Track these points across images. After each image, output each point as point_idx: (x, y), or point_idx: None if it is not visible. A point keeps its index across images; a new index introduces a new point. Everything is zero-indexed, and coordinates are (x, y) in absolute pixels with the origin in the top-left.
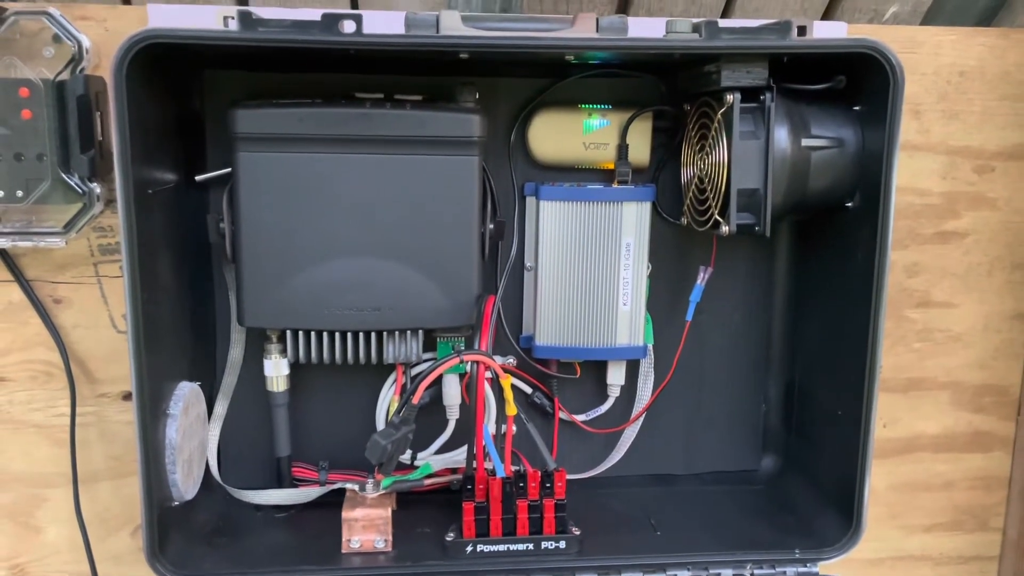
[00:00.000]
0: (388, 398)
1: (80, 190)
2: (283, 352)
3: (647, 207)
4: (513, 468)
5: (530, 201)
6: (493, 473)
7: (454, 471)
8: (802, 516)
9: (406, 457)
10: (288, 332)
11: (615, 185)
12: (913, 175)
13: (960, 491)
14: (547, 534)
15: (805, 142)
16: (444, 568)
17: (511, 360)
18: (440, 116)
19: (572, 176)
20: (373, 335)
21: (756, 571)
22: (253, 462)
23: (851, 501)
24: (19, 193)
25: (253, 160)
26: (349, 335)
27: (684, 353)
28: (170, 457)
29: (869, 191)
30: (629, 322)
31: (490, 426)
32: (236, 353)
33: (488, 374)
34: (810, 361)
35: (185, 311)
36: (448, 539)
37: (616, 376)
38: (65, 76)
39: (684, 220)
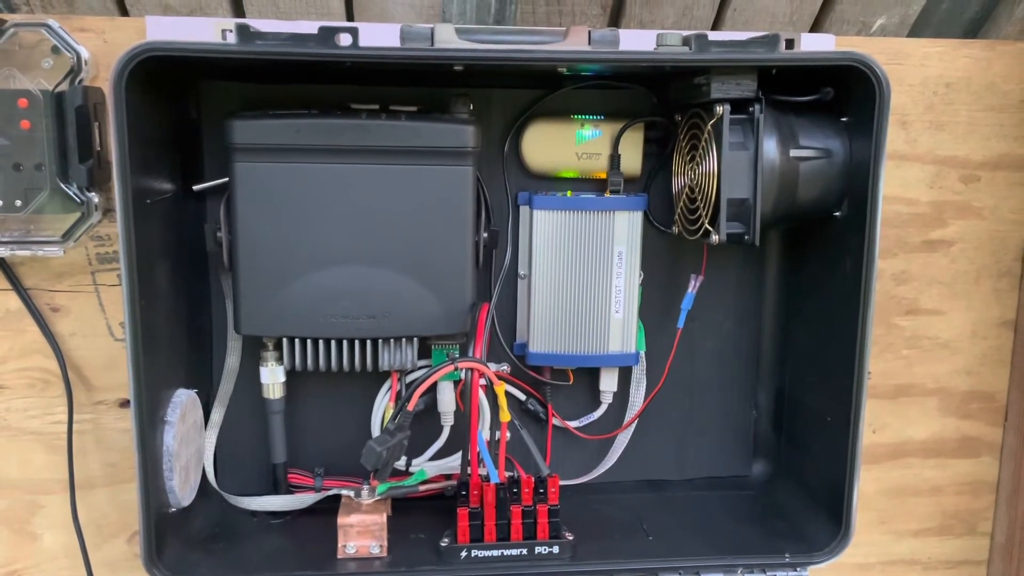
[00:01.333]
0: (383, 405)
1: (78, 199)
2: (279, 360)
3: (639, 216)
4: (507, 474)
5: (523, 210)
6: (487, 479)
7: (448, 477)
8: (792, 521)
9: (401, 463)
10: (284, 340)
11: (607, 195)
12: (901, 184)
13: (948, 496)
14: (541, 539)
15: (794, 152)
16: (439, 573)
17: (505, 367)
18: (435, 127)
19: (565, 186)
20: (368, 343)
21: (747, 575)
22: (249, 469)
23: (840, 506)
24: (18, 202)
25: (250, 170)
26: (345, 343)
27: (676, 360)
28: (167, 464)
29: (857, 200)
30: (621, 329)
31: (484, 432)
32: (232, 361)
33: (482, 381)
34: (800, 368)
35: (182, 319)
36: (443, 544)
37: (609, 383)
38: (64, 87)
39: (675, 229)
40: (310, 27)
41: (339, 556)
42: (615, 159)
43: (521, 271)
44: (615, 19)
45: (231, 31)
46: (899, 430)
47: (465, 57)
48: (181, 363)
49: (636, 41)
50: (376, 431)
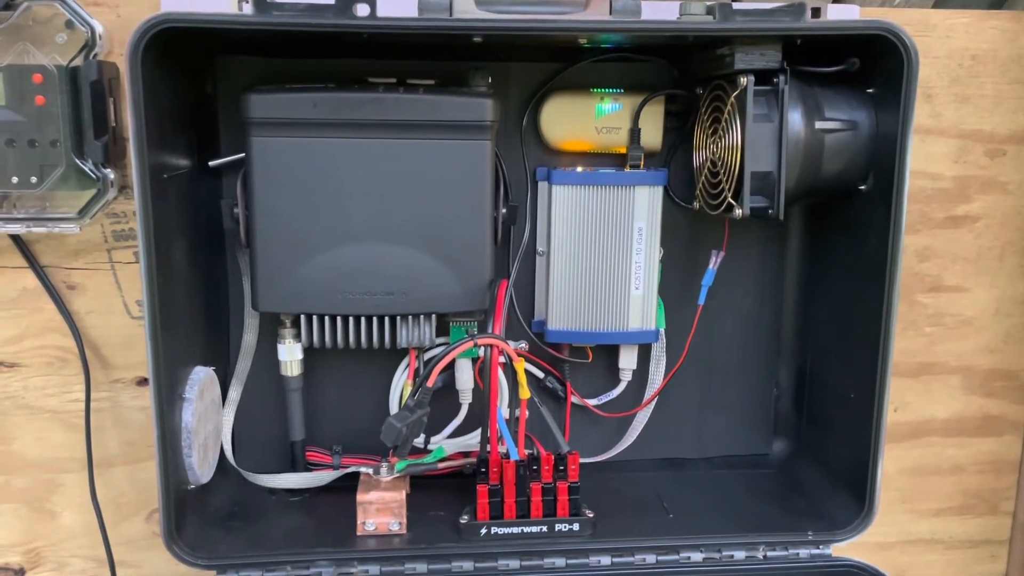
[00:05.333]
0: (401, 382)
1: (94, 176)
2: (297, 337)
3: (659, 191)
4: (526, 451)
5: (542, 186)
6: (507, 456)
7: (467, 455)
8: (814, 499)
9: (419, 441)
10: (302, 317)
11: (627, 169)
12: (925, 159)
13: (970, 475)
14: (561, 516)
15: (819, 125)
16: (458, 550)
17: (524, 345)
18: (453, 100)
19: (584, 160)
20: (386, 319)
21: (769, 553)
22: (267, 446)
23: (864, 483)
24: (33, 179)
25: (266, 145)
26: (363, 320)
27: (696, 337)
28: (186, 441)
29: (882, 174)
30: (641, 306)
31: (503, 410)
32: (250, 338)
33: (501, 358)
34: (822, 345)
35: (199, 296)
36: (462, 521)
37: (628, 360)
38: (78, 62)
39: (696, 204)
40: None
41: (358, 533)
42: (635, 133)
43: (540, 247)
44: None
45: (247, 2)
46: (921, 408)
47: (484, 27)
48: (199, 340)
49: (658, 11)
50: (394, 408)
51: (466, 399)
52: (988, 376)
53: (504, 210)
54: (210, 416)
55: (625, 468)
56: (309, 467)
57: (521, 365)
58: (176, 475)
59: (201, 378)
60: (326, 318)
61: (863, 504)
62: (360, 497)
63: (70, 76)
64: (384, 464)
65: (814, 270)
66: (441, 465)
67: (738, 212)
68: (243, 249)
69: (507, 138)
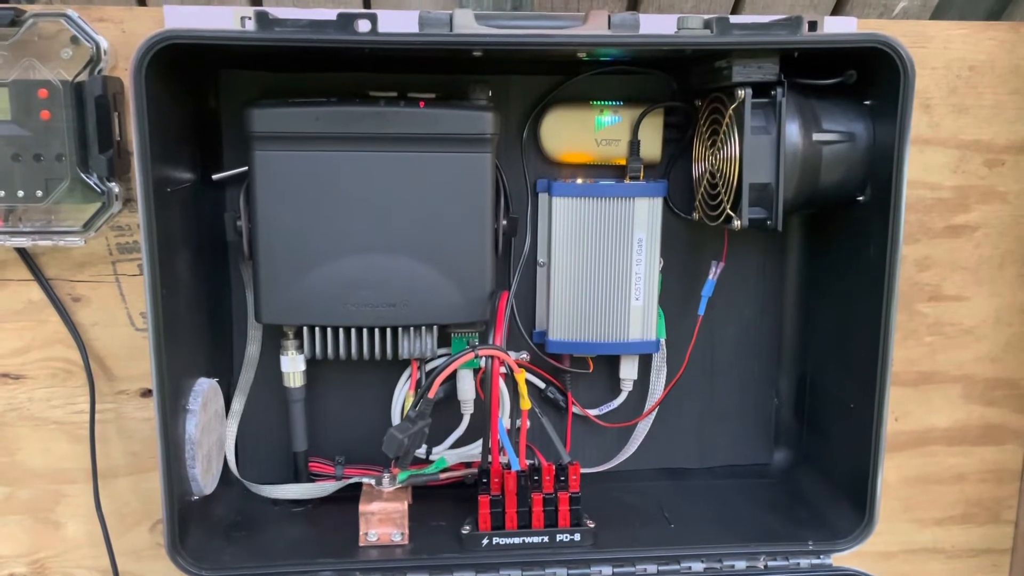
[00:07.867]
0: (403, 393)
1: (99, 190)
2: (299, 348)
3: (659, 203)
4: (528, 462)
5: (543, 198)
6: (508, 467)
7: (468, 465)
8: (815, 509)
9: (421, 452)
10: (304, 328)
11: (627, 181)
12: (924, 169)
13: (972, 484)
14: (562, 527)
15: (816, 136)
16: (460, 560)
17: (524, 355)
18: (453, 114)
19: (584, 172)
20: (388, 331)
21: (770, 563)
22: (270, 457)
23: (864, 493)
24: (39, 193)
25: (269, 159)
26: (364, 331)
27: (696, 347)
28: (190, 452)
29: (880, 185)
30: (641, 317)
31: (505, 420)
32: (253, 350)
33: (502, 369)
34: (822, 355)
35: (203, 308)
36: (464, 532)
37: (629, 371)
38: (83, 77)
39: (696, 215)
40: (329, 14)
41: (361, 544)
42: (635, 145)
43: (540, 259)
44: (634, 4)
45: (250, 18)
46: (922, 418)
47: (484, 42)
48: (202, 352)
49: (656, 25)
50: (396, 419)
51: (467, 410)
52: (989, 385)
53: (505, 222)
54: (213, 427)
55: (626, 478)
56: (312, 478)
57: (522, 376)
58: (180, 486)
59: (204, 389)
60: (328, 330)
61: (863, 514)
62: (362, 507)
63: (75, 91)
64: (386, 475)
65: (813, 280)
66: (443, 476)
67: (737, 223)
68: (246, 261)
69: (508, 150)
